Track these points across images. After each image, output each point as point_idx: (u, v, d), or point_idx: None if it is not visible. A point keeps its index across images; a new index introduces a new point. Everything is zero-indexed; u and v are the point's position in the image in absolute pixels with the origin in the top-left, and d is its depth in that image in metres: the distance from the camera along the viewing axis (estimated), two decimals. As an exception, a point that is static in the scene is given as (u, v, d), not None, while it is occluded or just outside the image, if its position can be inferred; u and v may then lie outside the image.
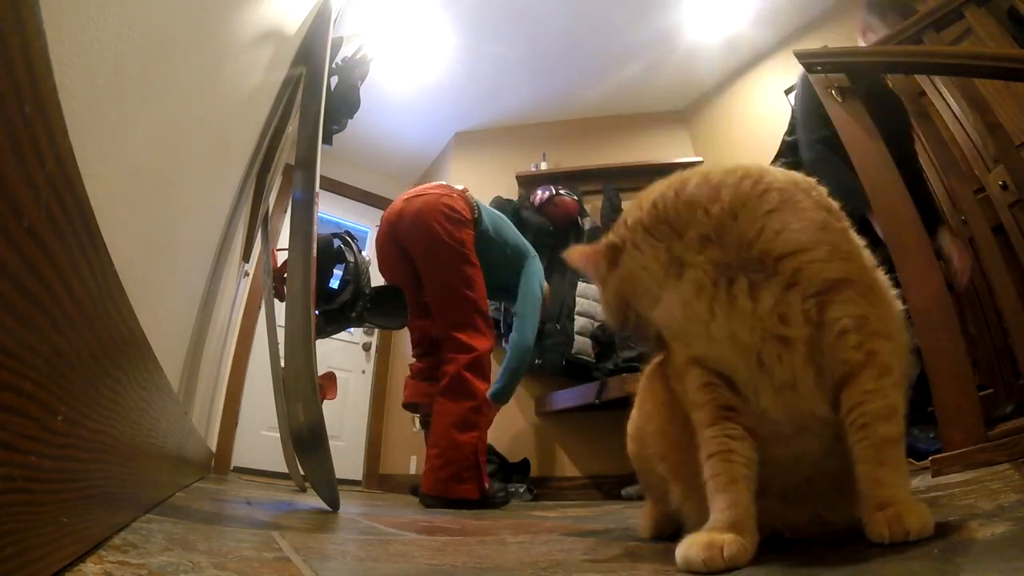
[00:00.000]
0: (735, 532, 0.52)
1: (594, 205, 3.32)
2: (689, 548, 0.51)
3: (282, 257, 1.58)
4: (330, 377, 1.62)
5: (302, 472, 1.65)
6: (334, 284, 1.71)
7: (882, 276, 0.62)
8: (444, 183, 2.18)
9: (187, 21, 0.63)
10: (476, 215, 2.09)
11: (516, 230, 2.32)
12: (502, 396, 2.08)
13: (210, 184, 0.99)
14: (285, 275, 1.44)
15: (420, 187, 2.15)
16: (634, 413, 0.80)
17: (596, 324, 2.91)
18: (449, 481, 1.75)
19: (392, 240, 2.06)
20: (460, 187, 2.14)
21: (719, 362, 0.58)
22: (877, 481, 0.53)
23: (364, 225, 4.18)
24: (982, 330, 1.67)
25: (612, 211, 3.24)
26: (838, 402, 0.57)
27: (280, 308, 1.49)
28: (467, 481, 1.76)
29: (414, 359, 2.20)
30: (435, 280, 1.99)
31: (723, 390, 0.58)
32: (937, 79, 1.76)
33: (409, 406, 2.17)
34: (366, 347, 3.99)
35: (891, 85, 1.62)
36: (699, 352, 0.59)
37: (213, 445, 2.53)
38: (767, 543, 0.64)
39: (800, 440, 0.58)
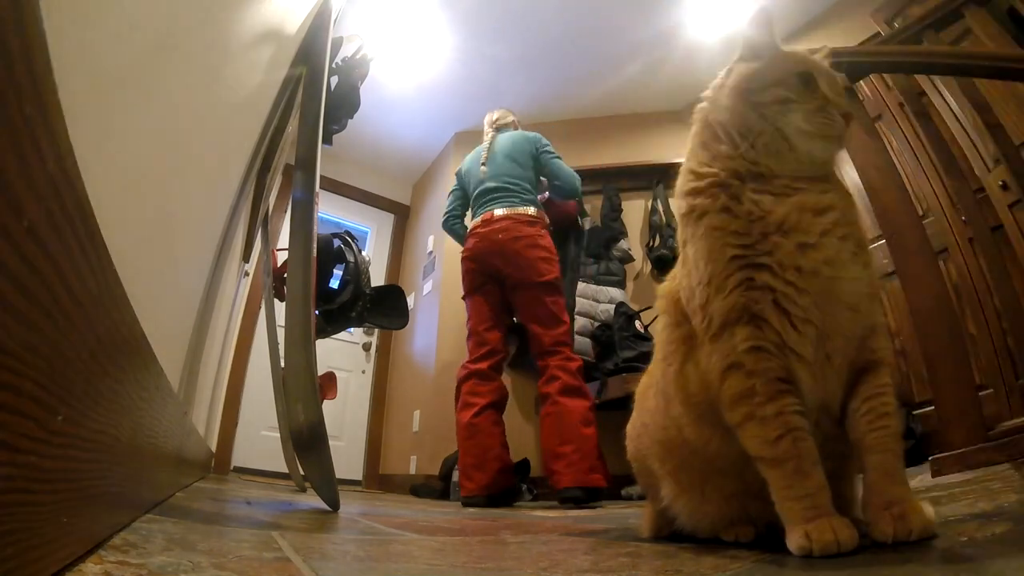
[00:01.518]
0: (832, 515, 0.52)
1: (594, 205, 3.32)
2: (814, 532, 0.51)
3: (282, 257, 1.58)
4: (330, 377, 1.62)
5: (302, 472, 1.65)
6: (334, 284, 1.71)
7: None
8: (528, 211, 2.28)
9: (187, 21, 0.63)
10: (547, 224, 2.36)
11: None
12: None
13: (210, 184, 0.99)
14: (285, 275, 1.44)
15: (512, 217, 2.24)
16: (634, 415, 0.80)
17: (596, 324, 2.90)
18: (588, 472, 1.85)
19: (488, 268, 2.23)
20: (533, 211, 2.27)
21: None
22: (890, 475, 0.53)
23: (364, 225, 4.18)
24: (982, 330, 1.67)
25: (612, 211, 3.24)
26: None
27: (280, 308, 1.49)
28: (597, 471, 1.88)
29: (476, 379, 2.19)
30: (535, 311, 2.16)
31: (777, 358, 0.56)
32: (937, 79, 1.76)
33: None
34: (366, 347, 3.98)
35: (890, 84, 1.62)
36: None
37: (213, 445, 2.53)
38: (764, 541, 0.64)
39: (814, 434, 0.58)
